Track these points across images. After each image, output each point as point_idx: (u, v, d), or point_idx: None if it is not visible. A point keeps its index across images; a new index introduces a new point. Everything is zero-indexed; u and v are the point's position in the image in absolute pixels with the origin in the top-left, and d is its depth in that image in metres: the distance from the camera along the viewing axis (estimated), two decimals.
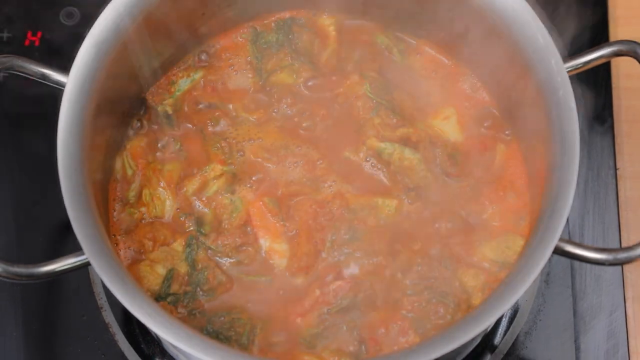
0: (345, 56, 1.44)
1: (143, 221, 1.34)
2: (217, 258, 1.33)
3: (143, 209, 1.35)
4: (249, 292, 1.31)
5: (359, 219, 1.33)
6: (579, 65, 1.29)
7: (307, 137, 1.39)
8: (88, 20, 1.30)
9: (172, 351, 1.43)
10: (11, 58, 1.28)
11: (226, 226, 1.34)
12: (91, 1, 1.59)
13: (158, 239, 1.33)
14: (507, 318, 1.46)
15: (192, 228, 1.34)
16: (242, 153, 1.38)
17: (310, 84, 1.43)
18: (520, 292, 1.16)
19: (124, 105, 1.38)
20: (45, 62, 1.29)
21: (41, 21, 1.63)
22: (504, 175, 1.37)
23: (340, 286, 1.29)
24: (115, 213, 1.35)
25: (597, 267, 1.48)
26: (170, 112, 1.41)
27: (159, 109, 1.41)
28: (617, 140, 1.58)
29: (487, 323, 1.15)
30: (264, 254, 1.33)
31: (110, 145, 1.36)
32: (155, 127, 1.41)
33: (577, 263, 1.49)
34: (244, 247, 1.33)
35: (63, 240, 1.50)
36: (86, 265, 1.19)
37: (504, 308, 1.15)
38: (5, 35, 1.63)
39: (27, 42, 1.62)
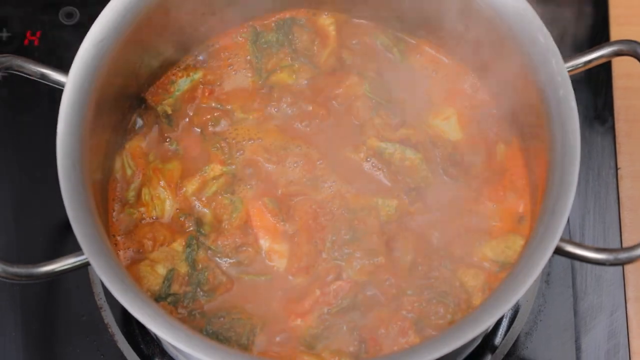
0: (345, 56, 1.44)
1: (143, 221, 1.34)
2: (217, 258, 1.33)
3: (142, 209, 1.35)
4: (249, 292, 1.31)
5: (359, 219, 1.33)
6: (580, 65, 1.29)
7: (307, 137, 1.39)
8: (87, 20, 1.30)
9: (171, 351, 1.43)
10: (10, 58, 1.28)
11: (226, 226, 1.33)
12: (91, 1, 1.60)
13: (158, 239, 1.32)
14: (507, 318, 1.46)
15: (192, 228, 1.34)
16: (241, 153, 1.38)
17: (310, 83, 1.42)
18: (520, 292, 1.15)
19: (123, 105, 1.38)
20: (44, 61, 1.29)
21: (40, 21, 1.63)
22: (505, 175, 1.37)
23: (341, 286, 1.29)
24: (114, 213, 1.35)
25: (598, 267, 1.48)
26: (169, 112, 1.40)
27: (159, 108, 1.41)
28: (618, 139, 1.58)
29: (488, 323, 1.15)
30: (264, 254, 1.32)
31: (110, 145, 1.36)
32: (155, 127, 1.40)
33: (577, 263, 1.48)
34: (244, 248, 1.32)
35: (62, 240, 1.50)
36: (86, 265, 1.19)
37: (504, 308, 1.15)
38: (4, 34, 1.63)
39: (26, 42, 1.62)
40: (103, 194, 1.34)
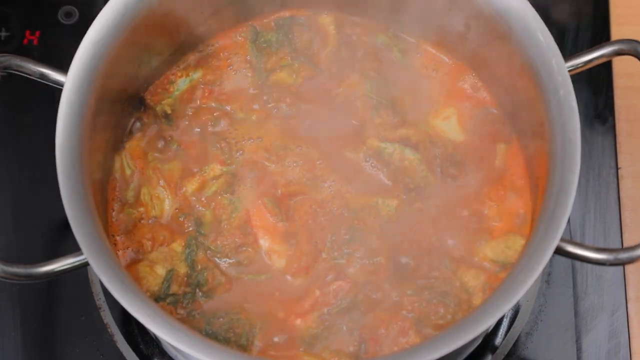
0: (345, 55, 1.44)
1: (142, 221, 1.34)
2: (217, 259, 1.32)
3: (142, 209, 1.35)
4: (249, 292, 1.30)
5: (359, 219, 1.33)
6: (580, 65, 1.29)
7: (307, 137, 1.39)
8: (87, 20, 1.31)
9: (171, 352, 1.43)
10: (9, 57, 1.28)
11: (225, 226, 1.33)
12: (90, 0, 1.60)
13: (157, 239, 1.32)
14: (508, 318, 1.46)
15: (191, 228, 1.33)
16: (241, 153, 1.38)
17: (310, 83, 1.42)
18: (521, 292, 1.15)
19: (122, 105, 1.38)
20: (43, 61, 1.29)
21: (40, 20, 1.63)
22: (505, 175, 1.36)
23: (340, 286, 1.29)
24: (114, 213, 1.35)
25: (599, 267, 1.48)
26: (169, 111, 1.40)
27: (158, 108, 1.40)
28: (619, 139, 1.58)
29: (488, 323, 1.15)
30: (263, 255, 1.32)
31: (109, 145, 1.36)
32: (154, 126, 1.40)
33: (578, 263, 1.48)
34: (244, 248, 1.32)
35: (62, 240, 1.50)
36: (85, 265, 1.19)
37: (504, 308, 1.15)
38: (3, 34, 1.63)
39: (25, 41, 1.62)
40: (102, 194, 1.34)
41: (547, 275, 1.48)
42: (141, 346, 1.44)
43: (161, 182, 1.36)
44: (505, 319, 1.46)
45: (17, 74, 1.28)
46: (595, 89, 1.60)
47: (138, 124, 1.41)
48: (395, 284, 1.29)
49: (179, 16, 1.38)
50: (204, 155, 1.38)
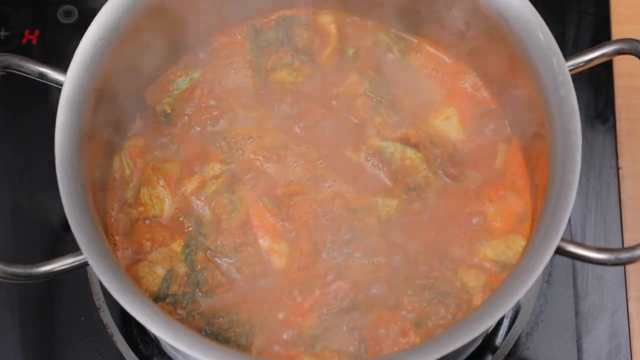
0: (345, 54, 1.44)
1: (141, 221, 1.34)
2: (217, 258, 1.32)
3: (141, 209, 1.34)
4: (249, 292, 1.30)
5: (359, 219, 1.32)
6: (581, 64, 1.29)
7: (307, 136, 1.38)
8: (86, 19, 1.30)
9: (170, 352, 1.43)
10: (9, 57, 1.27)
11: (225, 226, 1.33)
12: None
13: (157, 239, 1.32)
14: (508, 319, 1.45)
15: (191, 228, 1.33)
16: (241, 152, 1.38)
17: (310, 82, 1.42)
18: (521, 292, 1.15)
19: (122, 104, 1.38)
20: (43, 60, 1.29)
21: (39, 19, 1.63)
22: (505, 174, 1.36)
23: (340, 286, 1.29)
24: (113, 213, 1.35)
25: (599, 267, 1.48)
26: (168, 111, 1.40)
27: (158, 108, 1.40)
28: (619, 139, 1.58)
29: (489, 324, 1.15)
30: (263, 254, 1.32)
31: (109, 145, 1.36)
32: (154, 126, 1.40)
33: (579, 263, 1.48)
34: (244, 248, 1.32)
35: (61, 240, 1.50)
36: (84, 265, 1.18)
37: (505, 308, 1.15)
38: (2, 33, 1.62)
39: (24, 41, 1.62)
40: (102, 193, 1.34)
41: (548, 276, 1.48)
42: (140, 346, 1.44)
43: (161, 181, 1.35)
44: (505, 319, 1.46)
45: (16, 74, 1.28)
46: (596, 88, 1.60)
47: (138, 124, 1.40)
48: (396, 284, 1.29)
49: (179, 15, 1.37)
50: (204, 154, 1.38)
